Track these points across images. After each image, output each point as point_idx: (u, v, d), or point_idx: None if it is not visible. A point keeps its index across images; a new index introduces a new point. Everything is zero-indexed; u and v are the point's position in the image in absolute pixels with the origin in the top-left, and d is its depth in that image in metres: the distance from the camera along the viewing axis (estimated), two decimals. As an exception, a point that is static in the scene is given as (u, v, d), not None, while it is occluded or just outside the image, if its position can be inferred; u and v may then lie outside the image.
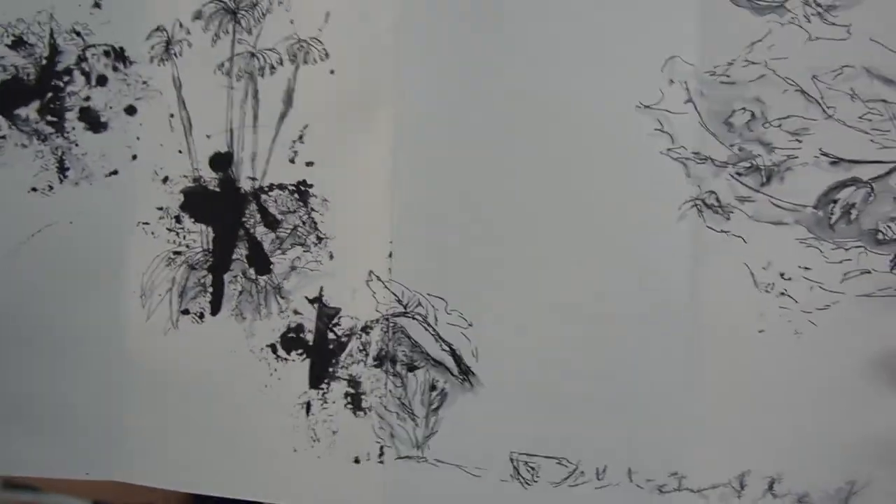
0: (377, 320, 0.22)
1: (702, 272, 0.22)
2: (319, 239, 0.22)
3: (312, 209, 0.22)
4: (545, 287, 0.22)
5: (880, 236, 0.22)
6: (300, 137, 0.21)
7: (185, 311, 0.24)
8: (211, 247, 0.23)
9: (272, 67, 0.21)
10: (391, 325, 0.22)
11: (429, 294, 0.22)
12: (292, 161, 0.22)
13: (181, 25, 0.22)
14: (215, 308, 0.23)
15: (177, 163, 0.23)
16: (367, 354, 0.22)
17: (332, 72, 0.21)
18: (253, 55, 0.22)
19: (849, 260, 0.22)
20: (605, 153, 0.22)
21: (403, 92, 0.20)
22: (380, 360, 0.22)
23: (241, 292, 0.23)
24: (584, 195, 0.22)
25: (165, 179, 0.23)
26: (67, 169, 0.23)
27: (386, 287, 0.22)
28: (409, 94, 0.20)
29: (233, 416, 0.23)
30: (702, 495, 0.23)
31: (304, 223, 0.22)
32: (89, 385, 0.24)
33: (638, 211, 0.22)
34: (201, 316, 0.23)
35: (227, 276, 0.23)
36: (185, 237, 0.23)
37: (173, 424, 0.24)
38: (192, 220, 0.23)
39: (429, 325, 0.22)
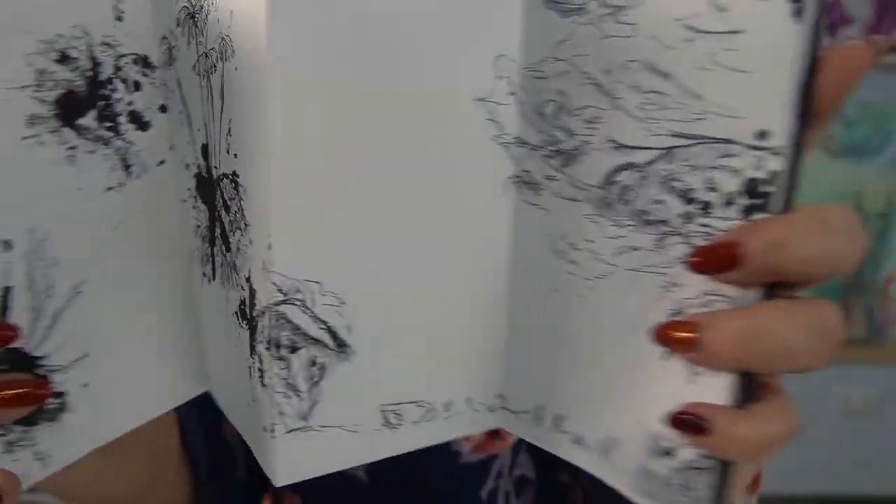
0: (264, 309, 0.24)
1: (519, 237, 0.27)
2: (246, 226, 0.24)
3: (241, 198, 0.24)
4: (404, 264, 0.26)
5: (649, 216, 0.24)
6: (229, 131, 0.25)
7: (203, 275, 0.29)
8: (208, 223, 0.27)
9: (213, 66, 0.24)
10: (274, 312, 0.23)
11: (306, 280, 0.24)
12: (227, 152, 0.25)
13: (172, 32, 0.27)
14: (212, 275, 0.28)
15: (189, 152, 0.28)
16: (262, 338, 0.24)
17: (236, 69, 0.24)
18: (206, 55, 0.25)
19: (623, 236, 0.24)
20: (453, 141, 0.26)
21: (278, 91, 0.22)
22: (268, 345, 0.24)
23: (221, 264, 0.27)
24: (435, 178, 0.26)
25: (187, 166, 0.29)
26: (130, 165, 0.27)
27: (267, 277, 0.23)
28: (284, 93, 0.22)
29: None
30: (517, 416, 0.28)
31: (239, 209, 0.24)
32: (179, 329, 0.30)
33: (477, 187, 0.27)
34: (209, 280, 0.28)
35: (215, 249, 0.27)
36: (197, 215, 0.28)
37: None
38: (201, 201, 0.28)
39: (307, 308, 0.24)
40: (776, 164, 0.21)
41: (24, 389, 0.24)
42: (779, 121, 0.21)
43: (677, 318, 0.23)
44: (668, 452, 0.23)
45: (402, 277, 0.26)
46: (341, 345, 0.25)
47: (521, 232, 0.27)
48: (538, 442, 0.27)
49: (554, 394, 0.27)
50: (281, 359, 0.24)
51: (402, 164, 0.25)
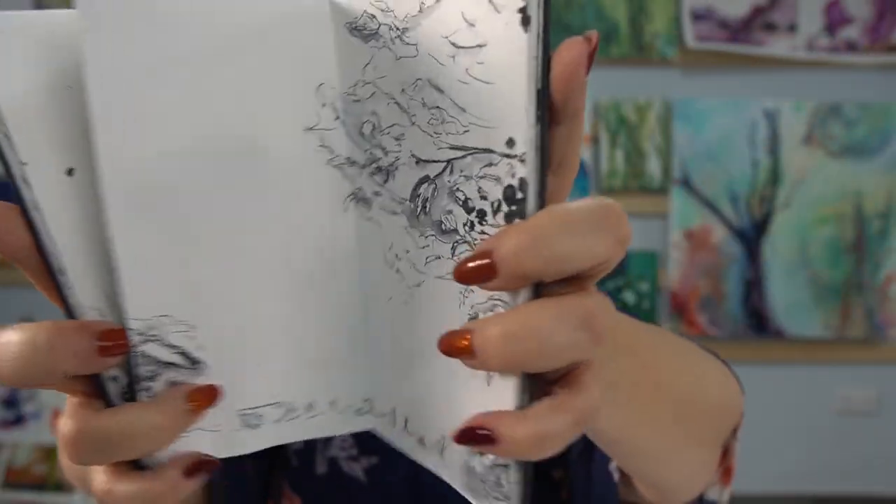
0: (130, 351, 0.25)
1: (362, 249, 0.29)
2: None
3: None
4: (254, 285, 0.28)
5: (443, 227, 0.25)
6: None
7: None
8: None
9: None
10: (135, 353, 0.25)
11: (157, 316, 0.25)
12: None
13: None
14: None
15: None
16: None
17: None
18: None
19: (428, 246, 0.26)
20: (290, 172, 0.27)
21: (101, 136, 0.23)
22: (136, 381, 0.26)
23: None
24: (278, 206, 0.27)
25: None
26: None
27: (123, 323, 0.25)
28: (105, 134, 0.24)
29: None
30: (379, 419, 0.30)
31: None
32: None
33: (320, 208, 0.29)
34: None
35: None
36: None
37: None
38: None
39: (161, 339, 0.26)
40: (523, 170, 0.22)
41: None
42: (521, 127, 0.21)
43: (457, 328, 0.23)
44: (481, 451, 0.25)
45: (253, 297, 0.28)
46: (194, 361, 0.27)
47: (363, 244, 0.29)
48: (397, 444, 0.29)
49: (400, 397, 0.28)
50: (145, 390, 0.25)
51: (242, 196, 0.27)
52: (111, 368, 0.24)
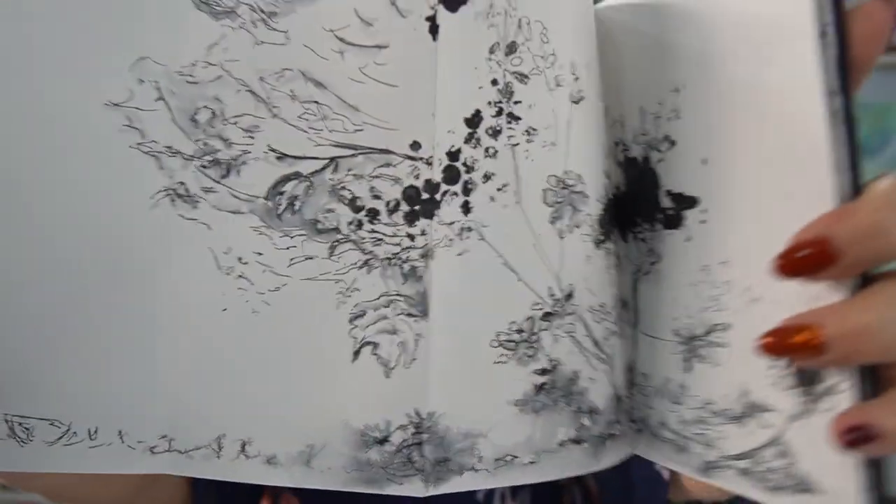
0: None
1: (174, 256, 0.24)
2: None
3: None
4: (28, 270, 0.23)
5: (319, 226, 0.24)
6: None
7: None
8: None
9: None
10: None
11: None
12: None
13: None
14: None
15: None
16: None
17: None
18: None
19: (294, 247, 0.24)
20: (77, 151, 0.23)
21: None
22: None
23: None
24: (63, 189, 0.23)
25: None
26: None
27: None
28: None
29: None
30: (188, 456, 0.25)
31: None
32: None
33: (113, 202, 0.24)
34: None
35: None
36: None
37: None
38: None
39: None
40: (429, 172, 0.23)
41: None
42: (428, 132, 0.23)
43: (787, 324, 0.20)
44: (381, 441, 0.25)
45: (42, 287, 0.23)
46: None
47: (177, 249, 0.25)
48: (218, 475, 0.26)
49: (236, 419, 0.25)
50: None
51: (20, 177, 0.22)
52: None
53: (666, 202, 0.26)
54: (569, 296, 0.25)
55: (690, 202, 0.25)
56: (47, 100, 0.22)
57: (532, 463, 0.25)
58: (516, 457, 0.25)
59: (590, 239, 0.25)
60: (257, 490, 0.45)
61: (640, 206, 0.27)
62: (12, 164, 0.22)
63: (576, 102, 0.24)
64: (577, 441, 0.26)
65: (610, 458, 0.27)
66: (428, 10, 0.22)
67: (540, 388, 0.25)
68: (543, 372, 0.25)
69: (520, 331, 0.25)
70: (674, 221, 0.26)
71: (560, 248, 0.25)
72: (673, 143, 0.26)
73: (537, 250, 0.25)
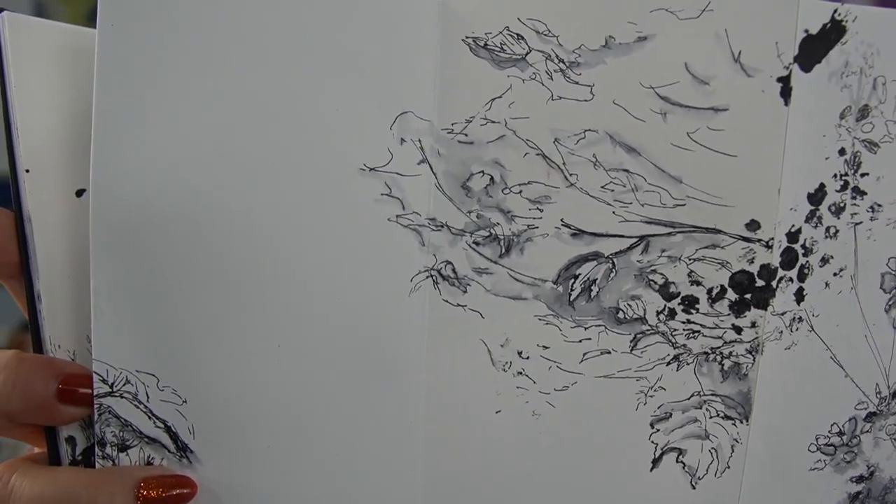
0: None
1: (437, 348, 0.20)
2: None
3: None
4: (262, 365, 0.20)
5: (620, 315, 0.20)
6: None
7: None
8: None
9: None
10: (97, 405, 0.20)
11: (137, 371, 0.20)
12: None
13: None
14: None
15: None
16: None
17: None
18: None
19: (588, 339, 0.20)
20: (326, 223, 0.19)
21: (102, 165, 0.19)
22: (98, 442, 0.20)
23: None
24: (306, 267, 0.19)
25: None
26: None
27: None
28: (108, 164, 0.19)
29: None
30: None
31: None
32: None
33: (367, 284, 0.20)
34: None
35: None
36: None
37: None
38: None
39: (140, 402, 0.20)
40: (767, 257, 0.20)
41: (167, 490, 0.19)
42: (770, 210, 0.19)
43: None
44: None
45: (275, 385, 0.20)
46: (182, 448, 0.20)
47: (443, 342, 0.21)
48: None
49: None
50: (106, 458, 0.20)
51: (255, 247, 0.19)
52: (68, 426, 0.20)
53: None
54: (895, 393, 0.22)
55: None
56: (292, 161, 0.19)
57: None
58: None
59: None
60: None
61: None
62: (250, 236, 0.19)
63: None
64: None
65: None
66: (781, 69, 0.18)
67: (854, 498, 0.22)
68: (860, 479, 0.22)
69: (840, 433, 0.22)
70: None
71: (892, 339, 0.21)
72: None
73: (868, 343, 0.21)
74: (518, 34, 0.19)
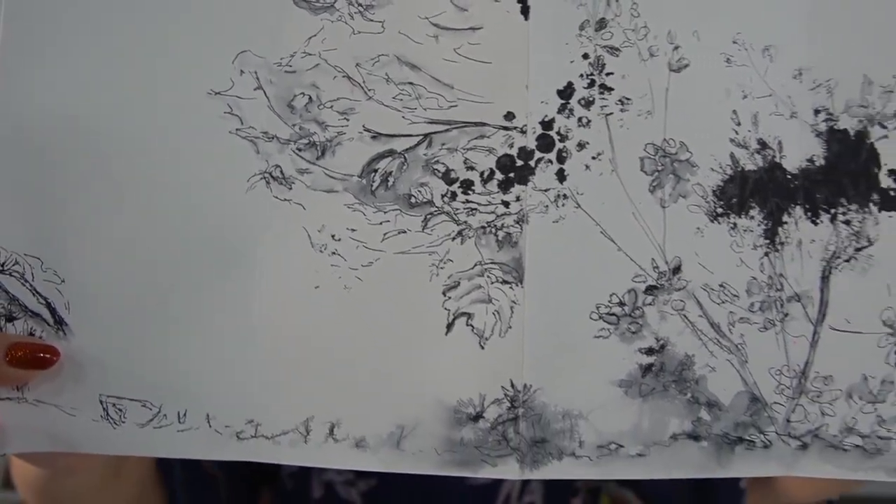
0: None
1: (268, 236, 0.25)
2: None
3: None
4: (129, 253, 0.24)
5: (413, 200, 0.24)
6: None
7: None
8: None
9: None
10: None
11: (25, 254, 0.24)
12: None
13: None
14: None
15: None
16: None
17: None
18: None
19: (388, 221, 0.24)
20: (181, 135, 0.24)
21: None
22: None
23: None
24: (165, 171, 0.24)
25: None
26: None
27: None
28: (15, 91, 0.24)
29: None
30: (274, 441, 0.24)
31: None
32: None
33: (213, 183, 0.24)
34: None
35: None
36: None
37: None
38: None
39: (26, 280, 0.24)
40: (522, 140, 0.23)
41: (33, 353, 0.24)
42: (521, 102, 0.23)
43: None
44: (475, 418, 0.23)
45: (138, 269, 0.24)
46: (59, 321, 0.24)
47: (273, 230, 0.25)
48: (305, 461, 0.24)
49: (325, 400, 0.24)
50: None
51: (125, 154, 0.24)
52: None
53: (889, 182, 0.24)
54: (676, 269, 0.24)
55: None
56: (157, 86, 0.24)
57: (640, 455, 0.23)
58: (622, 446, 0.23)
59: (701, 210, 0.24)
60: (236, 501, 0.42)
61: (845, 185, 0.24)
62: (122, 146, 0.24)
63: (676, 71, 0.24)
64: (693, 437, 0.23)
65: (740, 467, 0.24)
66: None
67: (647, 370, 0.23)
68: (650, 351, 0.23)
69: (621, 303, 0.23)
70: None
71: (662, 218, 0.24)
72: None
73: (637, 219, 0.24)
74: None
